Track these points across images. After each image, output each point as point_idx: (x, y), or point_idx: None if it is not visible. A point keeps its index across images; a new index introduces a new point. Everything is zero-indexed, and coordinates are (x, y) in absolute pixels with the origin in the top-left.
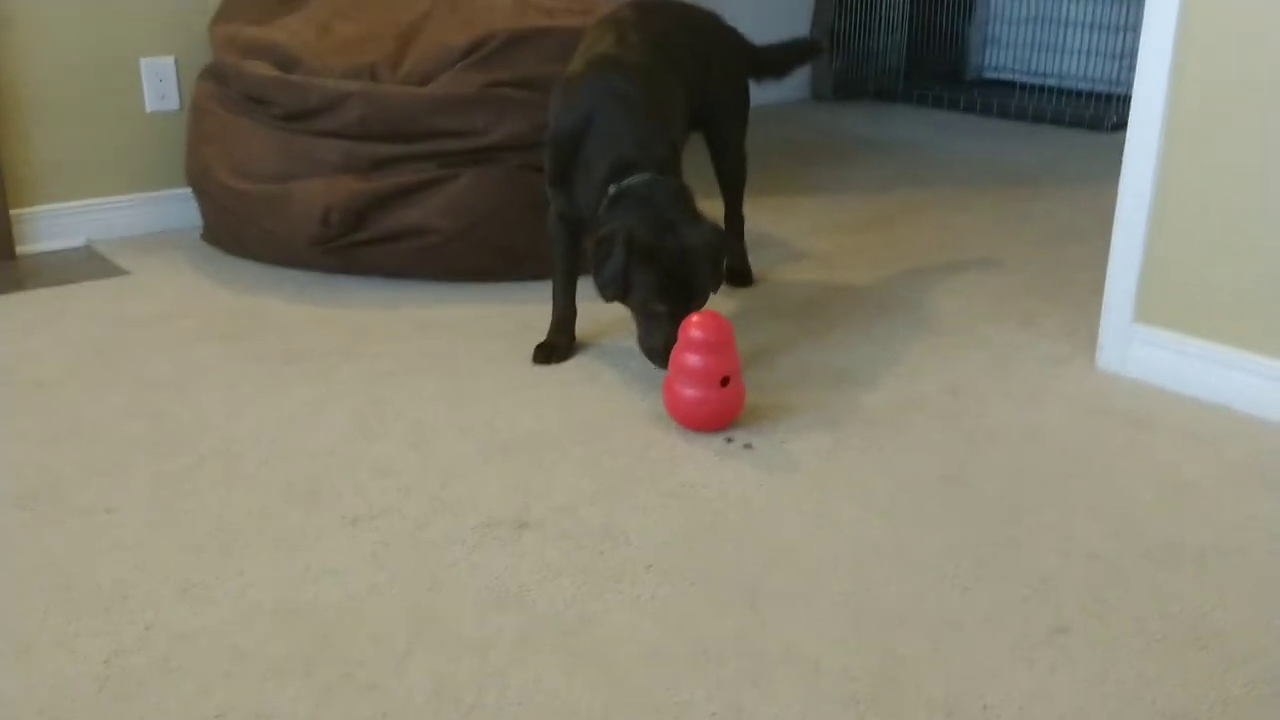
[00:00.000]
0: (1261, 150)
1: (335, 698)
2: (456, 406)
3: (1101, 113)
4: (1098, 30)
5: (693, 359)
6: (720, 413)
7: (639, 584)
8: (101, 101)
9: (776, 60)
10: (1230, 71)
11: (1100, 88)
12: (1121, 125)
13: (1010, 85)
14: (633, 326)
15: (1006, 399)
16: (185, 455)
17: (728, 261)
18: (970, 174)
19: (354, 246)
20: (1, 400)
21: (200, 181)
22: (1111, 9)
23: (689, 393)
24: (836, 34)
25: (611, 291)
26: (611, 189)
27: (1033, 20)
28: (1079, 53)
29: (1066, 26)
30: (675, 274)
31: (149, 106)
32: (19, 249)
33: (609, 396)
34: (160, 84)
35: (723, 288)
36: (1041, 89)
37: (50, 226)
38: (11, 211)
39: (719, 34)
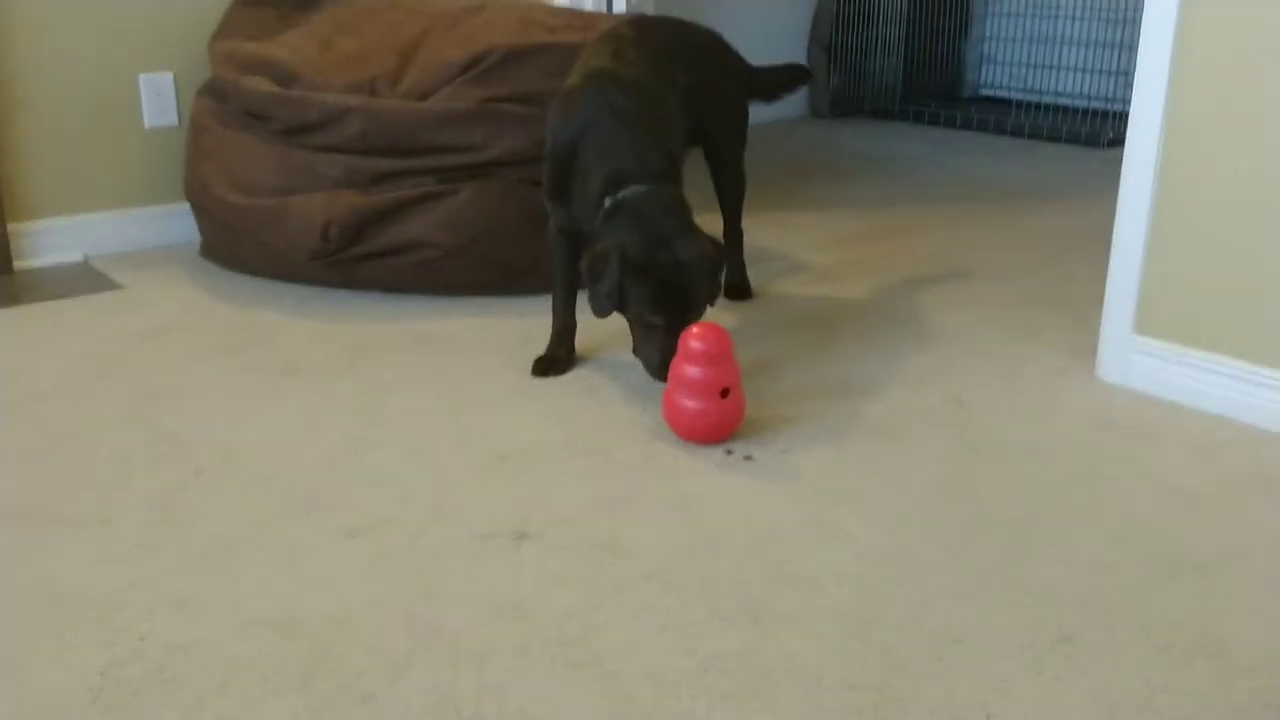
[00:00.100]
0: (1258, 162)
1: (332, 709)
2: (455, 418)
3: (1097, 129)
4: (1093, 48)
5: (693, 371)
6: (721, 424)
7: (640, 595)
8: (100, 117)
9: (766, 83)
10: (1227, 86)
11: (1096, 104)
12: (1117, 141)
13: (1006, 103)
14: (632, 339)
15: (1009, 410)
16: (182, 467)
17: (727, 276)
18: (968, 190)
19: (353, 261)
20: None
21: (199, 197)
22: (1106, 28)
23: (689, 404)
24: (834, 52)
25: (607, 306)
26: (607, 202)
27: (1028, 39)
28: (1074, 70)
29: (1061, 44)
30: (670, 286)
31: (148, 122)
32: (16, 264)
33: (609, 409)
34: (159, 100)
35: (723, 301)
36: (1037, 106)
37: (48, 241)
38: (9, 226)
39: (717, 51)
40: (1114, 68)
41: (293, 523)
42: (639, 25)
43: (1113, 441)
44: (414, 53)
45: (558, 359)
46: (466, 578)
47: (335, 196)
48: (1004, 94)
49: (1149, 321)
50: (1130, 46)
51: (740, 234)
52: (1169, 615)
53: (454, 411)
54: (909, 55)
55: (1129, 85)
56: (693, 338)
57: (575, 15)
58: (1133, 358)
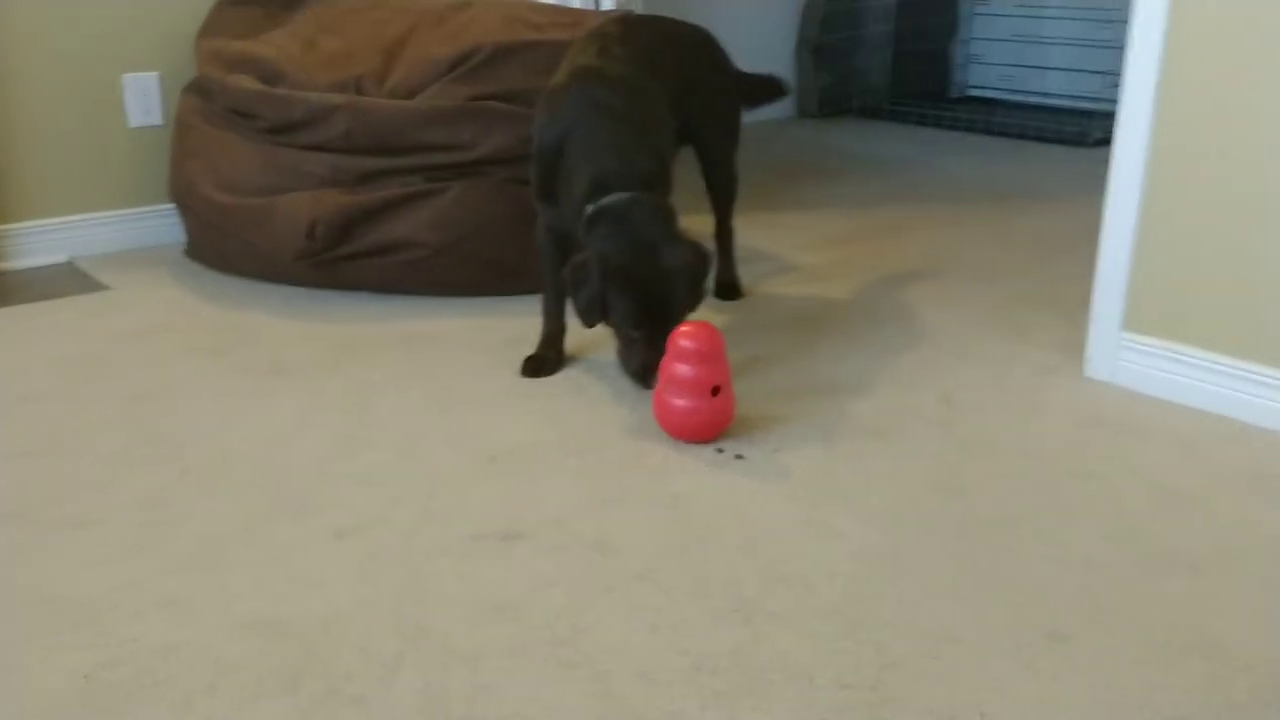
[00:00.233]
0: (1246, 159)
1: (322, 710)
2: (445, 418)
3: (1084, 128)
4: (1079, 47)
5: (683, 369)
6: (711, 423)
7: (631, 595)
8: (84, 117)
9: (744, 89)
10: (1216, 84)
11: (1083, 104)
12: (1104, 140)
13: (993, 102)
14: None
15: (998, 408)
16: (170, 467)
17: (719, 275)
18: (956, 189)
19: (340, 260)
20: None
21: (184, 197)
22: (1093, 27)
23: (680, 403)
24: (822, 52)
25: (591, 318)
26: (589, 209)
27: (1015, 39)
28: (1061, 70)
29: (1048, 44)
30: (652, 297)
31: (132, 122)
32: (1, 265)
33: (599, 409)
34: (144, 99)
35: (714, 301)
36: (1024, 105)
37: (33, 242)
38: None
39: (706, 49)
40: (1100, 67)
41: (282, 523)
42: (626, 23)
43: (1102, 439)
44: (400, 51)
45: (547, 359)
46: (457, 578)
47: (321, 196)
48: (991, 94)
49: (1137, 319)
50: (1116, 46)
51: (731, 233)
52: (1163, 613)
53: (444, 412)
54: (896, 55)
55: (1115, 85)
56: (684, 336)
57: (562, 12)
58: (1121, 355)
